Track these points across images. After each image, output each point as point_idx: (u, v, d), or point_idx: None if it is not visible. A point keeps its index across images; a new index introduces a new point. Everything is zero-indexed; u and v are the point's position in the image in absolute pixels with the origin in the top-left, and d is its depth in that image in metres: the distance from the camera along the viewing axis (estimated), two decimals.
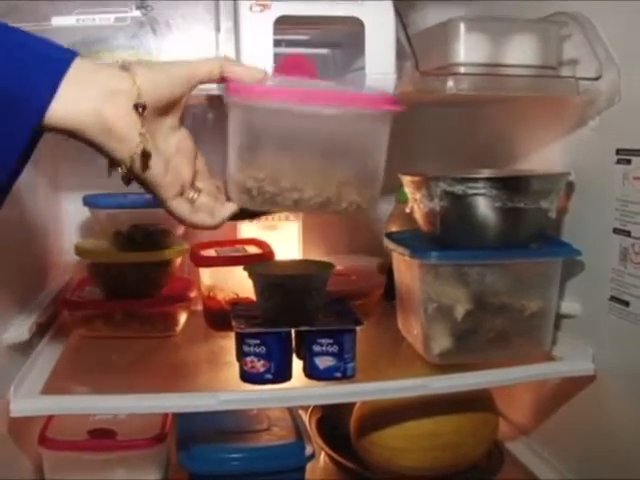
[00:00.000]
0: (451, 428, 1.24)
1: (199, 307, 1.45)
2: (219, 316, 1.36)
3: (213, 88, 1.04)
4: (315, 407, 1.46)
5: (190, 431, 1.23)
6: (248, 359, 1.12)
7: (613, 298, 1.15)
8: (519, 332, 1.21)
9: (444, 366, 1.18)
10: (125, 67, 0.75)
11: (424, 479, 1.25)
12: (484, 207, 1.13)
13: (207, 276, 1.39)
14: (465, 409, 1.25)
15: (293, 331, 1.14)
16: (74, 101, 0.70)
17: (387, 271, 1.44)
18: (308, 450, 1.20)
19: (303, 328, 1.13)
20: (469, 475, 1.28)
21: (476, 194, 1.12)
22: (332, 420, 1.41)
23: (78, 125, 0.72)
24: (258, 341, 1.11)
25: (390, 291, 1.39)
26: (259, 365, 1.11)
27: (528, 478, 1.33)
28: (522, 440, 1.45)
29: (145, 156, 0.75)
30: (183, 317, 1.39)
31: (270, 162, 0.84)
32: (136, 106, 0.74)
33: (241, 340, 1.12)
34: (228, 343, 1.25)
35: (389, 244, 1.30)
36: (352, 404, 1.31)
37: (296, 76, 1.04)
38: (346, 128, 0.86)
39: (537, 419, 1.41)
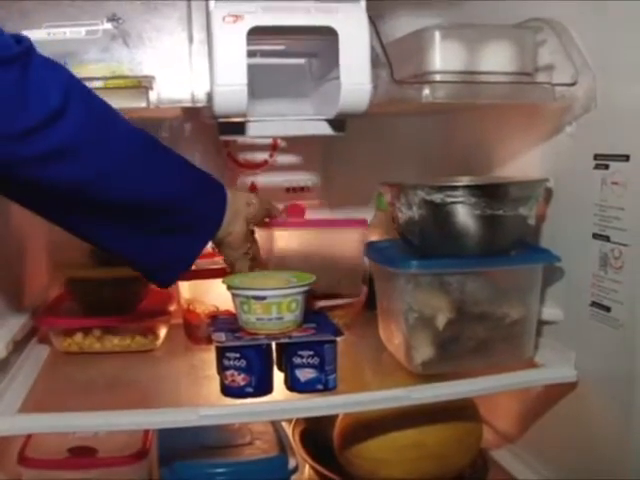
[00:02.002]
0: (435, 438, 1.23)
1: (179, 320, 1.43)
2: (199, 330, 1.35)
3: (187, 100, 1.04)
4: (298, 420, 1.45)
5: (172, 447, 1.21)
6: (228, 373, 1.10)
7: (594, 304, 1.15)
8: (501, 340, 1.20)
9: (426, 376, 1.17)
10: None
11: None
12: (463, 215, 1.12)
13: (186, 289, 1.38)
14: (449, 419, 1.24)
15: (274, 344, 1.13)
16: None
17: (368, 281, 1.44)
18: (291, 463, 1.20)
19: (283, 340, 1.12)
20: None
21: (454, 202, 1.11)
22: (315, 432, 1.40)
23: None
24: (238, 355, 1.09)
25: (372, 300, 1.39)
26: (239, 379, 1.10)
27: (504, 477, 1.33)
28: (506, 447, 1.44)
29: (253, 259, 1.19)
30: (163, 331, 1.37)
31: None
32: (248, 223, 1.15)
33: (221, 354, 1.11)
34: (208, 356, 1.23)
35: (369, 254, 1.30)
36: (335, 416, 1.30)
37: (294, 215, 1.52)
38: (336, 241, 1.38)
39: (521, 426, 1.40)
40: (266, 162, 1.53)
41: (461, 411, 1.26)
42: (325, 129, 1.12)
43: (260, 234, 1.41)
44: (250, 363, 1.10)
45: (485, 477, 1.30)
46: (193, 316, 1.36)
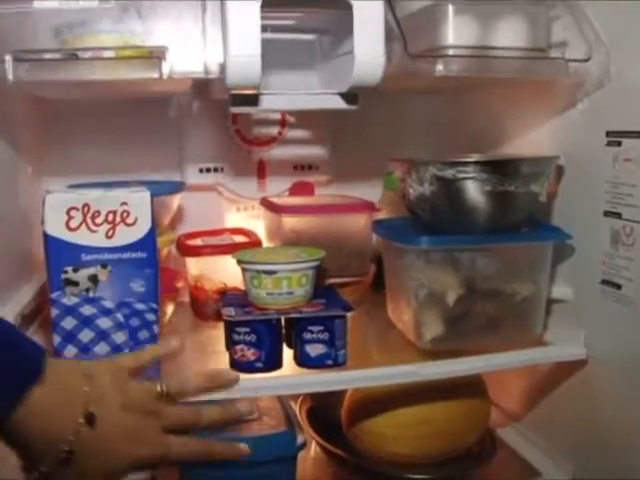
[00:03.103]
0: (444, 415, 1.23)
1: (186, 299, 1.43)
2: (207, 306, 1.34)
3: (199, 72, 1.03)
4: (305, 397, 1.45)
5: None
6: (238, 347, 1.10)
7: (605, 281, 1.15)
8: (510, 317, 1.20)
9: (436, 352, 1.17)
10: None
11: (416, 466, 1.24)
12: (474, 191, 1.12)
13: (194, 266, 1.38)
14: (457, 396, 1.24)
15: (283, 319, 1.13)
16: None
17: (376, 260, 1.44)
18: (299, 439, 1.19)
19: (293, 315, 1.12)
20: (462, 462, 1.27)
21: (466, 178, 1.11)
22: (322, 410, 1.40)
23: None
24: (248, 329, 1.09)
25: (380, 281, 1.39)
26: (249, 354, 1.10)
27: (520, 464, 1.33)
28: (513, 426, 1.44)
29: None
30: (170, 308, 1.37)
31: None
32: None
33: (231, 328, 1.11)
34: (216, 333, 1.23)
35: (378, 231, 1.29)
36: (343, 393, 1.30)
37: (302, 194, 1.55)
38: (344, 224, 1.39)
39: (528, 405, 1.40)
40: (275, 139, 1.52)
41: (469, 388, 1.26)
42: (338, 103, 1.11)
43: (268, 215, 1.42)
44: (260, 338, 1.10)
45: (493, 455, 1.29)
46: (201, 293, 1.36)
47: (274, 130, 1.52)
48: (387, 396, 1.22)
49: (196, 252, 1.37)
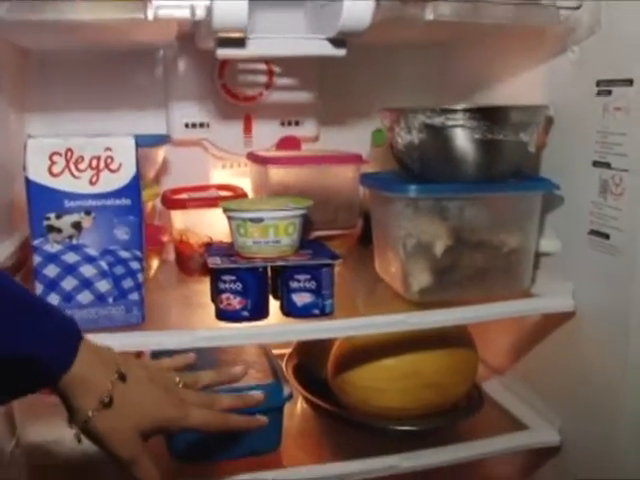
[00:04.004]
0: (432, 367, 1.22)
1: (171, 256, 1.42)
2: (192, 261, 1.33)
3: (186, 14, 1.01)
4: (291, 355, 1.44)
5: None
6: (224, 296, 1.09)
7: (593, 232, 1.14)
8: (498, 269, 1.20)
9: (423, 304, 1.16)
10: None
11: (404, 419, 1.23)
12: (463, 139, 1.11)
13: (179, 220, 1.37)
14: (446, 348, 1.23)
15: (269, 268, 1.12)
16: None
17: (364, 216, 1.43)
18: (286, 390, 1.19)
19: (280, 263, 1.10)
20: (450, 414, 1.27)
21: (455, 126, 1.10)
22: (309, 367, 1.39)
23: None
24: (234, 277, 1.08)
25: (367, 236, 1.38)
26: (235, 302, 1.09)
27: (507, 418, 1.33)
28: (499, 381, 1.44)
29: None
30: (155, 263, 1.35)
31: None
32: None
33: (216, 277, 1.10)
34: (202, 287, 1.23)
35: (365, 183, 1.28)
36: (328, 350, 1.29)
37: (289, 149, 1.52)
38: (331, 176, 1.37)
39: (514, 358, 1.40)
40: (261, 94, 1.50)
41: (457, 340, 1.26)
42: (326, 48, 1.10)
43: (254, 169, 1.40)
44: (246, 286, 1.08)
45: (480, 408, 1.29)
46: (186, 247, 1.34)
47: (261, 81, 1.49)
48: (374, 348, 1.21)
49: (181, 205, 1.35)
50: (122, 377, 0.84)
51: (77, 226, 1.04)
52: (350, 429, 1.26)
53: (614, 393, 1.13)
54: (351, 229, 1.39)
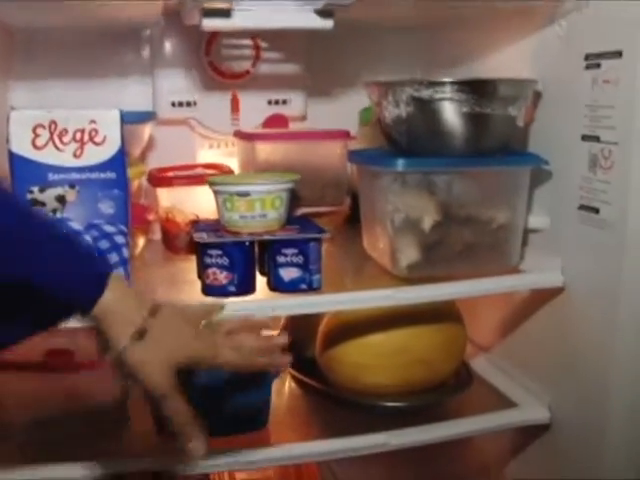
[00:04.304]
0: (421, 344, 1.22)
1: (158, 236, 1.41)
2: (178, 239, 1.32)
3: None
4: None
5: None
6: (210, 271, 1.08)
7: (582, 207, 1.13)
8: (487, 245, 1.19)
9: (411, 279, 1.15)
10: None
11: (393, 396, 1.22)
12: (451, 112, 1.10)
13: (165, 197, 1.35)
14: (434, 325, 1.23)
15: (257, 242, 1.11)
16: None
17: (352, 195, 1.42)
18: None
19: (266, 237, 1.09)
20: (439, 390, 1.26)
21: (443, 99, 1.09)
22: (297, 345, 1.37)
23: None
24: (220, 252, 1.07)
25: (355, 215, 1.37)
26: (222, 277, 1.08)
27: (496, 396, 1.32)
28: (485, 358, 1.44)
29: None
30: (141, 241, 1.34)
31: None
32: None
33: (202, 252, 1.08)
34: (188, 265, 1.21)
35: (353, 159, 1.27)
36: (317, 326, 1.28)
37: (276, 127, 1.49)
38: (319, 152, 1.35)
39: (502, 336, 1.40)
40: (248, 72, 1.49)
41: (446, 317, 1.25)
42: (313, 20, 1.09)
43: (241, 146, 1.39)
44: (232, 261, 1.07)
45: (469, 384, 1.28)
46: (172, 225, 1.33)
47: (247, 56, 1.48)
48: (362, 325, 1.20)
49: (168, 182, 1.34)
50: (155, 312, 0.86)
51: (61, 200, 1.03)
52: (338, 407, 1.25)
53: (605, 369, 1.12)
54: (339, 206, 1.38)
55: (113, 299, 0.82)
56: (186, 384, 0.88)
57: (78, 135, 1.03)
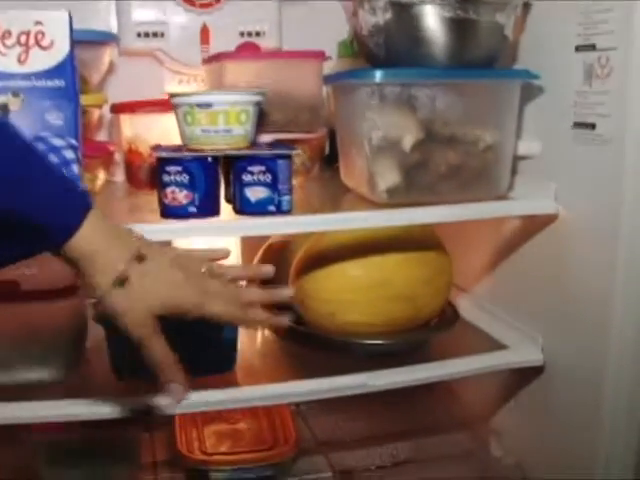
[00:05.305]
0: (402, 277, 1.12)
1: (120, 178, 1.32)
2: (142, 171, 1.23)
3: None
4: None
5: None
6: (168, 190, 0.99)
7: (577, 124, 1.05)
8: (473, 168, 1.10)
9: (391, 205, 1.05)
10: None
11: (373, 336, 1.14)
12: (432, 17, 1.01)
13: (128, 126, 1.25)
14: (418, 257, 1.14)
15: (221, 163, 1.01)
16: None
17: (329, 135, 1.32)
18: None
19: (230, 153, 1.00)
20: (422, 331, 1.18)
21: (423, 2, 1.00)
22: (269, 285, 1.28)
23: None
24: (180, 168, 0.98)
25: (332, 155, 1.28)
26: (181, 196, 0.98)
27: (484, 337, 1.24)
28: (472, 299, 1.36)
29: None
30: (102, 174, 1.22)
31: None
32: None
33: (161, 169, 0.99)
34: (152, 198, 1.11)
35: (329, 81, 1.18)
36: (290, 262, 1.19)
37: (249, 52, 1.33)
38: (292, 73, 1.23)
39: (487, 275, 1.32)
40: (219, 0, 1.39)
41: (431, 249, 1.16)
42: None
43: (209, 70, 1.30)
44: (193, 178, 0.98)
45: (455, 321, 1.20)
46: (135, 156, 1.24)
47: None
48: (338, 256, 1.11)
49: (130, 109, 1.24)
50: (140, 258, 0.80)
51: (4, 109, 0.95)
52: (314, 348, 1.16)
53: (602, 305, 1.03)
54: (313, 133, 1.28)
55: (92, 236, 0.76)
56: None
57: (23, 38, 0.94)
